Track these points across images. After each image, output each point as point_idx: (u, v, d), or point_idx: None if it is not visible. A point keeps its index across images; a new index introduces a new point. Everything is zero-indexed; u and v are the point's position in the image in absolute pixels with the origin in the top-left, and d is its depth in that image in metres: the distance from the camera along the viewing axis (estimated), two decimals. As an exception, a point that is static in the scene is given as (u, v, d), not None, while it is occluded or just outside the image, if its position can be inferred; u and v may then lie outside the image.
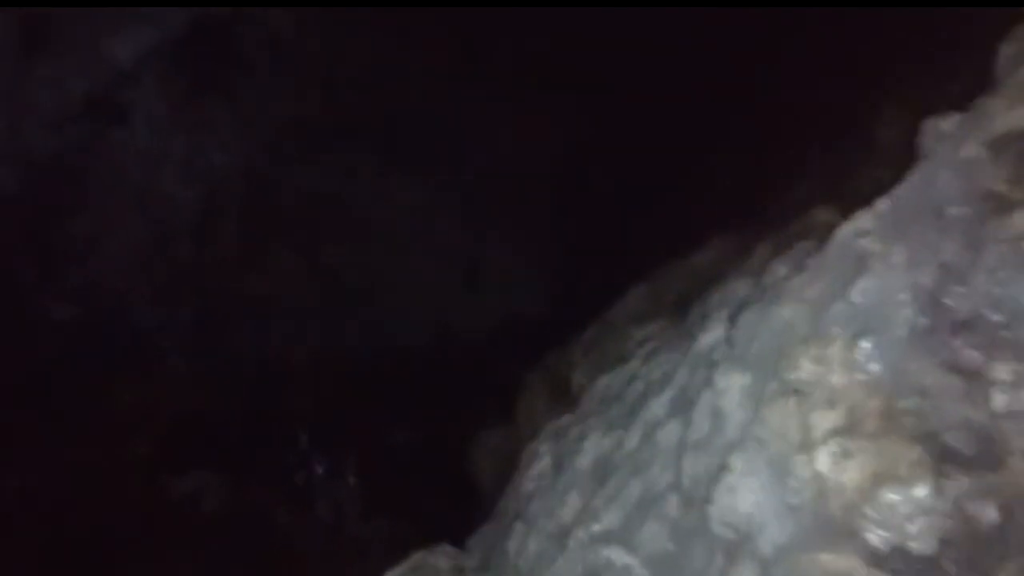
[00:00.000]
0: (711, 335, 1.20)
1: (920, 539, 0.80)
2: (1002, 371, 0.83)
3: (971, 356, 0.85)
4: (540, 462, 1.52)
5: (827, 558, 0.84)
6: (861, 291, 0.93)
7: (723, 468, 0.97)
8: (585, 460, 1.39)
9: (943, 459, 0.81)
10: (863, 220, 0.95)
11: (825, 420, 0.90)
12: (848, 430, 0.87)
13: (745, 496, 0.93)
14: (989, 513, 0.77)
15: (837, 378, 0.91)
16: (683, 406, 1.15)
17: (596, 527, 1.15)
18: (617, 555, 1.07)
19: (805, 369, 0.94)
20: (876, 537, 0.81)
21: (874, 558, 0.81)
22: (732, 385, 1.02)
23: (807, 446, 0.89)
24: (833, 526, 0.85)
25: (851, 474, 0.85)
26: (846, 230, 0.96)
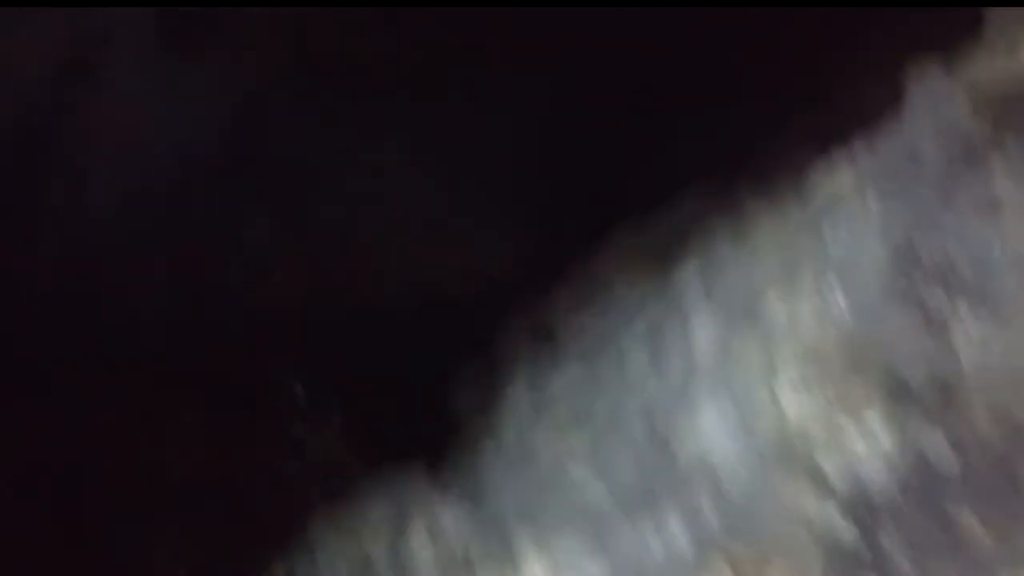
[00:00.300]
0: (687, 274, 1.21)
1: (873, 473, 0.83)
2: (967, 319, 0.85)
3: (937, 302, 0.88)
4: (514, 387, 1.55)
5: (783, 490, 0.87)
6: (834, 235, 0.95)
7: (689, 397, 1.00)
8: (559, 392, 1.42)
9: (901, 399, 0.84)
10: (841, 165, 0.97)
11: (790, 359, 0.92)
12: (812, 369, 0.90)
13: (708, 427, 0.96)
14: (941, 449, 0.80)
15: (805, 319, 0.94)
16: (655, 338, 1.18)
17: (565, 453, 1.18)
18: (583, 479, 1.10)
19: (775, 309, 0.96)
20: (832, 471, 0.85)
21: (828, 491, 0.84)
22: (703, 322, 1.04)
23: (772, 384, 0.92)
24: (791, 459, 0.89)
25: (811, 408, 0.88)
26: (824, 175, 0.97)
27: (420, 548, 1.19)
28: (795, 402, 0.90)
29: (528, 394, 1.55)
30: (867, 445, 0.83)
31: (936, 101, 0.94)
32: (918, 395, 0.83)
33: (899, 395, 0.84)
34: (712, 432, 0.98)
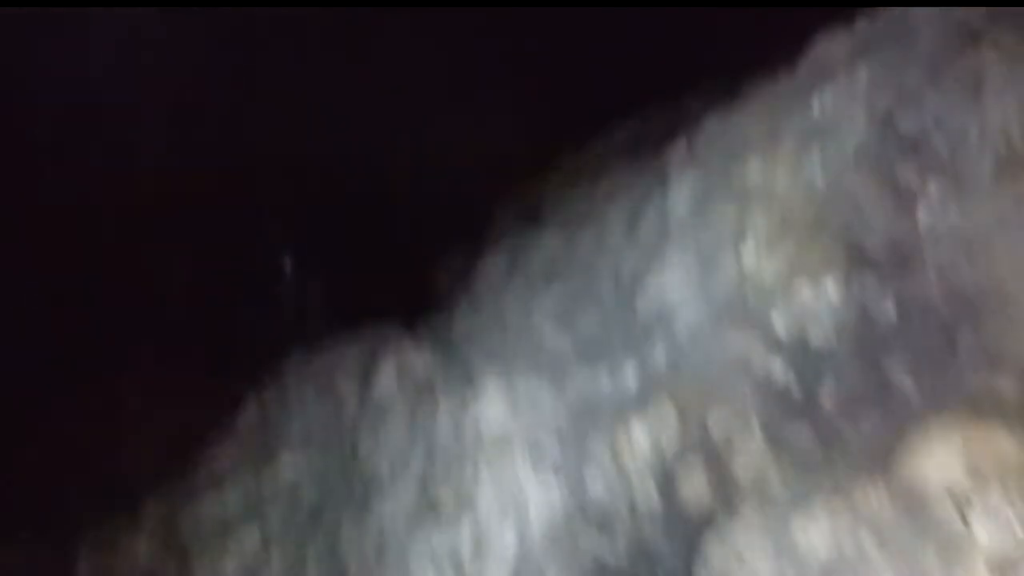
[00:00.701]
0: (676, 148, 1.22)
1: (820, 329, 0.86)
2: (933, 191, 0.87)
3: (908, 175, 0.89)
4: (496, 260, 1.57)
5: (732, 341, 0.90)
6: (821, 103, 0.96)
7: (658, 258, 1.02)
8: (538, 260, 1.44)
9: (858, 262, 0.86)
10: (839, 36, 0.96)
11: (759, 221, 0.94)
12: (778, 231, 0.92)
13: (672, 283, 0.99)
14: (887, 311, 0.83)
15: (780, 183, 0.95)
16: (635, 207, 1.19)
17: (536, 311, 1.22)
18: (550, 332, 1.14)
19: (753, 173, 0.98)
20: (781, 326, 0.88)
21: (774, 342, 0.87)
22: (684, 186, 1.06)
23: (737, 243, 0.94)
24: (744, 314, 0.91)
25: (771, 267, 0.90)
26: (821, 44, 0.97)
27: (388, 383, 1.24)
28: (757, 263, 0.93)
29: (507, 260, 1.58)
30: (818, 304, 0.86)
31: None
32: (874, 260, 0.86)
33: (856, 259, 0.86)
34: (675, 288, 1.01)
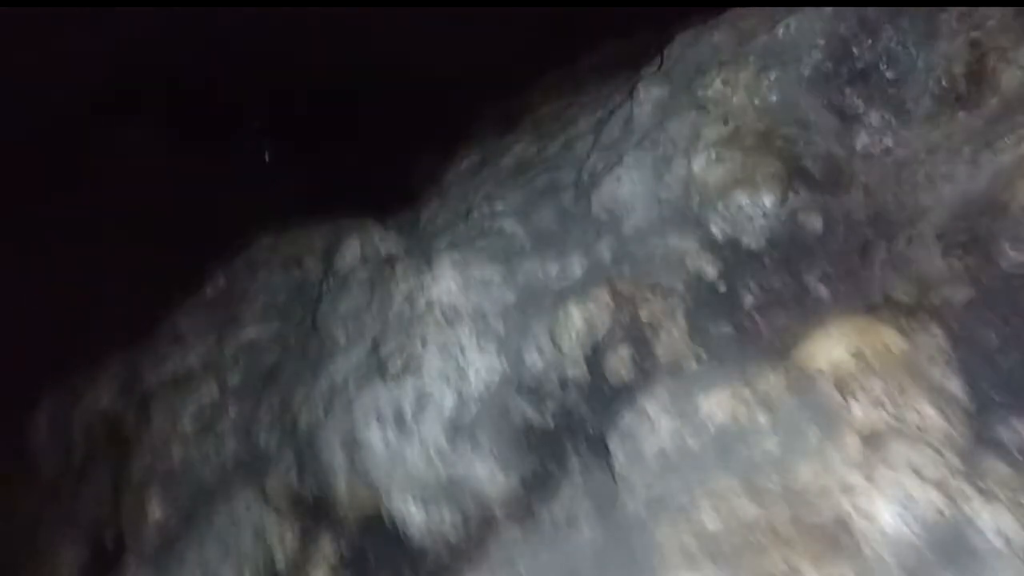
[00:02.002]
0: (650, 65, 1.27)
1: (752, 235, 0.93)
2: (874, 118, 0.93)
3: (854, 102, 0.95)
4: (468, 160, 1.62)
5: (673, 240, 0.97)
6: (786, 28, 1.01)
7: (617, 162, 1.08)
8: (508, 160, 1.49)
9: (796, 178, 0.93)
10: (811, -35, 1.00)
11: (713, 132, 1.00)
12: (728, 142, 0.98)
13: (626, 185, 1.05)
14: (814, 224, 0.90)
15: (737, 99, 1.01)
16: (604, 119, 1.24)
17: (500, 205, 1.27)
18: (509, 225, 1.19)
19: (714, 88, 1.03)
20: (718, 229, 0.94)
21: (710, 244, 0.95)
22: (650, 97, 1.11)
23: (690, 151, 1.00)
24: (687, 216, 0.98)
25: (717, 176, 0.96)
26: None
27: (351, 259, 1.30)
28: (705, 170, 0.99)
29: (478, 161, 1.62)
30: (754, 212, 0.93)
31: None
32: (811, 177, 0.92)
33: (794, 174, 0.93)
34: (628, 190, 1.08)
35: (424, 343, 1.01)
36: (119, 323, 1.92)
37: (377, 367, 1.05)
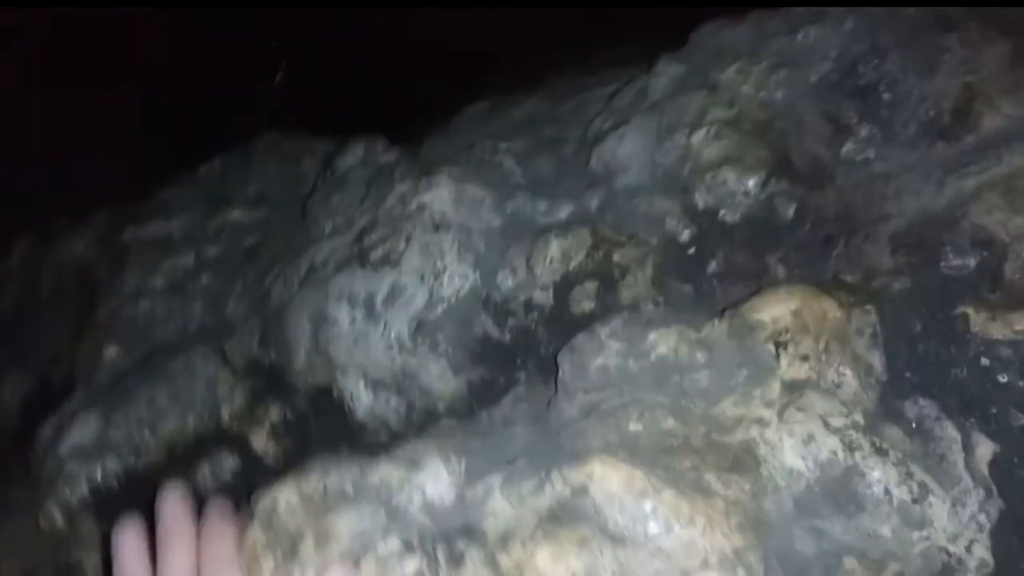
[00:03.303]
0: (673, 52, 1.34)
1: (730, 212, 1.00)
2: (863, 131, 1.01)
3: (849, 114, 1.04)
4: (476, 107, 1.68)
5: (658, 201, 1.05)
6: (805, 35, 1.09)
7: (623, 126, 1.15)
8: (517, 113, 1.55)
9: (781, 167, 1.01)
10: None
11: (718, 112, 1.08)
12: (729, 124, 1.06)
13: (627, 145, 1.12)
14: (787, 211, 0.98)
15: (746, 88, 1.09)
16: (619, 89, 1.31)
17: (502, 146, 1.33)
18: (508, 163, 1.26)
19: (728, 74, 1.11)
20: (701, 199, 1.02)
21: (690, 210, 1.02)
22: (668, 71, 1.18)
23: (693, 125, 1.08)
24: (676, 182, 1.06)
25: (712, 151, 1.04)
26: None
27: (351, 161, 1.35)
28: (703, 147, 1.06)
29: (487, 110, 1.68)
30: (737, 191, 1.00)
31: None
32: (794, 171, 1.01)
33: (781, 166, 1.01)
34: (627, 153, 1.15)
35: (408, 241, 1.07)
36: (106, 184, 1.95)
37: (358, 254, 1.11)
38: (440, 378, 1.03)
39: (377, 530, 0.63)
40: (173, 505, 0.64)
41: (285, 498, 0.67)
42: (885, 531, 0.68)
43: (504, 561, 0.60)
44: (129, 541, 0.62)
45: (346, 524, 0.64)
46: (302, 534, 0.64)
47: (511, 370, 1.00)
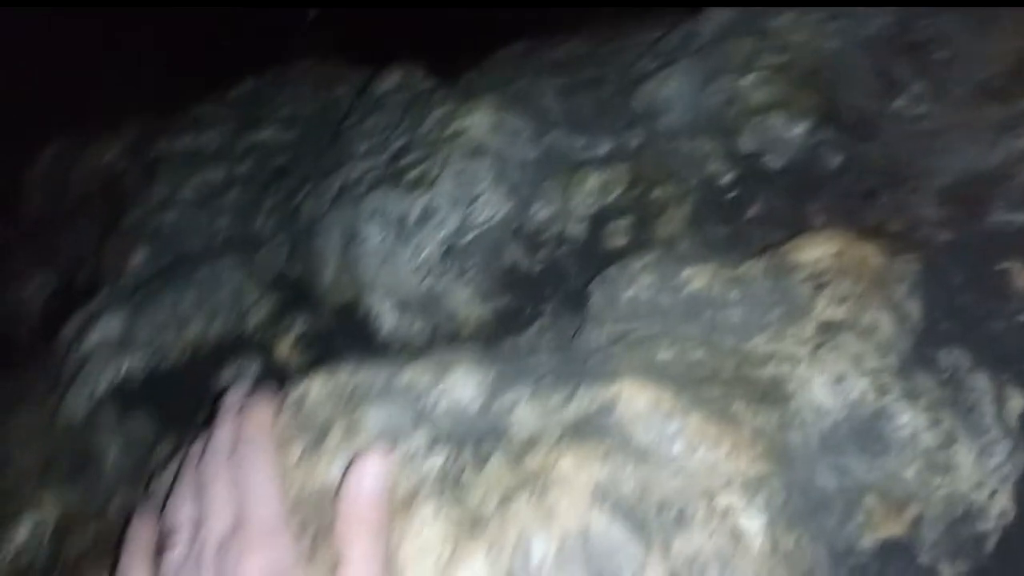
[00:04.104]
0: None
1: (774, 158, 0.99)
2: (915, 87, 0.99)
3: (902, 69, 1.02)
4: (515, 47, 1.65)
5: (700, 142, 1.04)
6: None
7: (668, 68, 1.13)
8: (556, 54, 1.53)
9: (829, 116, 0.99)
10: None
11: (769, 58, 1.06)
12: (780, 70, 1.04)
13: (671, 86, 1.10)
14: (832, 161, 0.97)
15: (799, 37, 1.07)
16: (665, 34, 1.29)
17: (541, 84, 1.32)
18: (547, 100, 1.24)
19: (781, 21, 1.10)
20: (745, 141, 1.01)
21: (733, 154, 1.01)
22: (718, 17, 1.16)
23: (742, 69, 1.06)
24: (720, 125, 1.04)
25: (760, 95, 1.02)
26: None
27: (388, 85, 1.34)
28: (750, 91, 1.05)
29: (528, 51, 1.66)
30: (783, 137, 0.99)
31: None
32: (842, 121, 0.99)
33: (830, 115, 0.99)
34: (671, 94, 1.13)
35: (444, 165, 1.07)
36: (138, 97, 1.94)
37: (393, 174, 1.10)
38: (466, 303, 1.03)
39: (404, 426, 0.63)
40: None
41: (316, 389, 0.67)
42: (909, 473, 0.68)
43: (529, 464, 0.60)
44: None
45: (374, 418, 0.64)
46: (331, 424, 0.65)
47: (538, 301, 1.00)
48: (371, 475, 0.57)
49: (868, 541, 0.67)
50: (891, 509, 0.67)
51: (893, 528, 0.67)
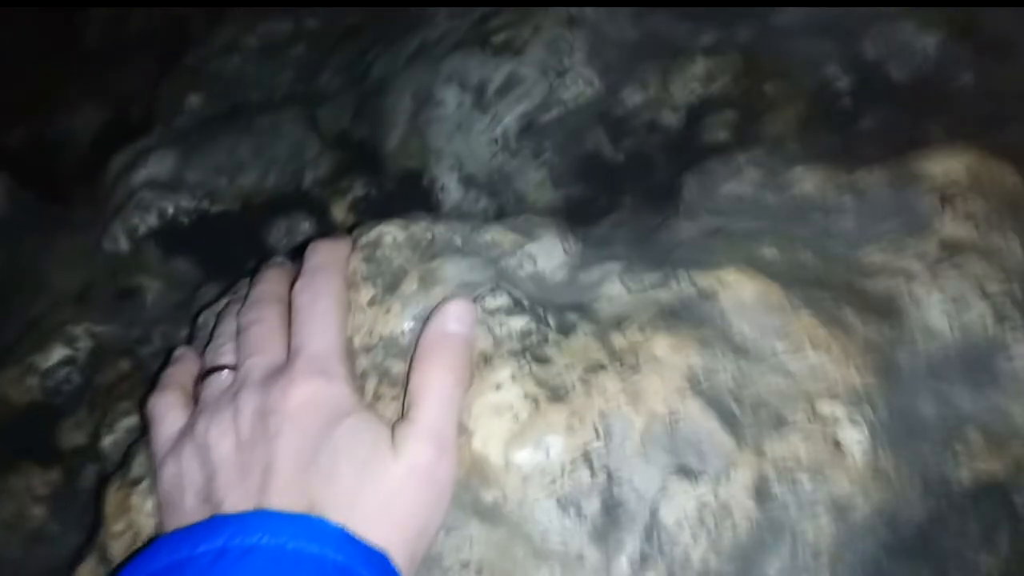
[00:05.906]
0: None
1: (899, 65, 0.92)
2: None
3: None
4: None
5: (818, 43, 0.95)
6: None
7: None
8: None
9: (968, 33, 0.90)
10: None
11: None
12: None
13: None
14: (964, 80, 0.88)
15: None
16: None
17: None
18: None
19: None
20: (869, 46, 0.93)
21: (855, 58, 0.93)
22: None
23: None
24: (843, 29, 0.96)
25: (895, 8, 0.92)
26: None
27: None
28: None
29: None
30: (914, 49, 0.90)
31: None
32: (982, 40, 0.90)
33: (969, 32, 0.90)
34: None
35: (536, 31, 0.99)
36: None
37: (478, 37, 1.02)
38: (537, 187, 0.96)
39: (485, 283, 0.57)
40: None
41: (392, 235, 0.62)
42: (1016, 409, 0.62)
43: (618, 341, 0.55)
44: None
45: (454, 270, 0.59)
46: (406, 272, 0.59)
47: (617, 193, 0.93)
48: (459, 319, 0.52)
49: (964, 477, 0.61)
50: (992, 444, 0.62)
51: (992, 465, 0.62)
